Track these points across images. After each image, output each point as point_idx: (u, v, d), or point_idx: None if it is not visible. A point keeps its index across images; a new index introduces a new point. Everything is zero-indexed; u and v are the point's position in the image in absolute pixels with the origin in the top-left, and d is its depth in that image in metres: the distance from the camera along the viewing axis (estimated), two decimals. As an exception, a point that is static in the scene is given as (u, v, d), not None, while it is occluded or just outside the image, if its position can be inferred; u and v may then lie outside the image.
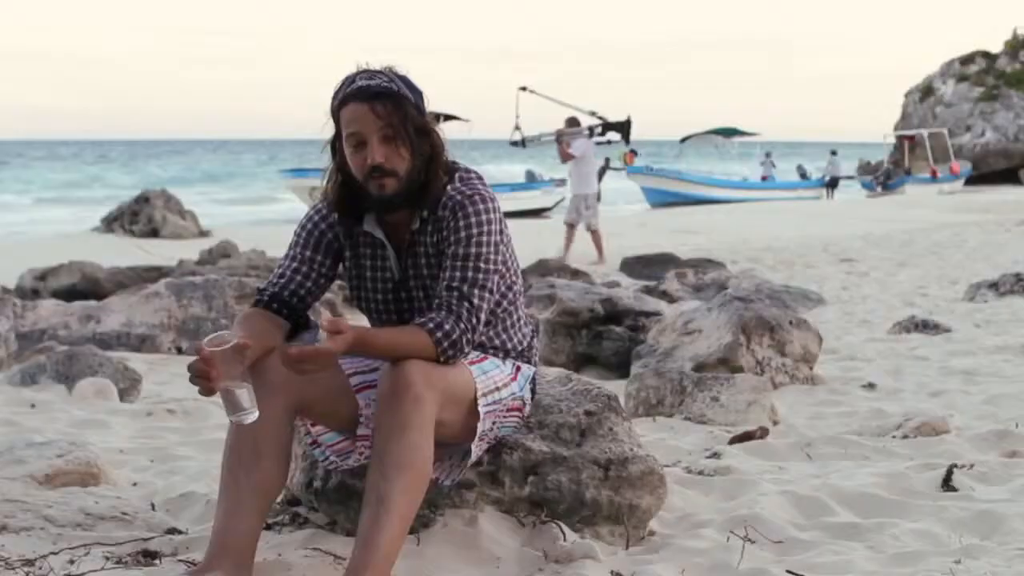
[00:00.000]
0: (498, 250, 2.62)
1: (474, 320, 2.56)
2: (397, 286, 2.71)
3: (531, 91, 15.86)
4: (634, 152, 13.94)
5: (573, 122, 13.65)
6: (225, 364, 2.35)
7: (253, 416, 2.40)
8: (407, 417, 2.45)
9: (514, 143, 15.41)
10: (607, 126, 14.38)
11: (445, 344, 2.52)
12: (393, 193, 2.59)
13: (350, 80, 2.58)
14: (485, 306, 2.58)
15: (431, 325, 2.53)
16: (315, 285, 2.69)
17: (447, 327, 2.53)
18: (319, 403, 2.60)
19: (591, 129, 14.07)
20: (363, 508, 2.45)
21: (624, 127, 14.27)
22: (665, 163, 37.31)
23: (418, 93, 2.61)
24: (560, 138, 13.31)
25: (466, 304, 2.55)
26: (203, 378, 2.34)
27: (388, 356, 2.51)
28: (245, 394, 2.38)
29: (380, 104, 2.54)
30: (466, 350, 2.57)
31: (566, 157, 13.46)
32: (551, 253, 12.63)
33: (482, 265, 2.58)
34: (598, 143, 14.12)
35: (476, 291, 2.57)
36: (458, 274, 2.57)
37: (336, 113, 2.60)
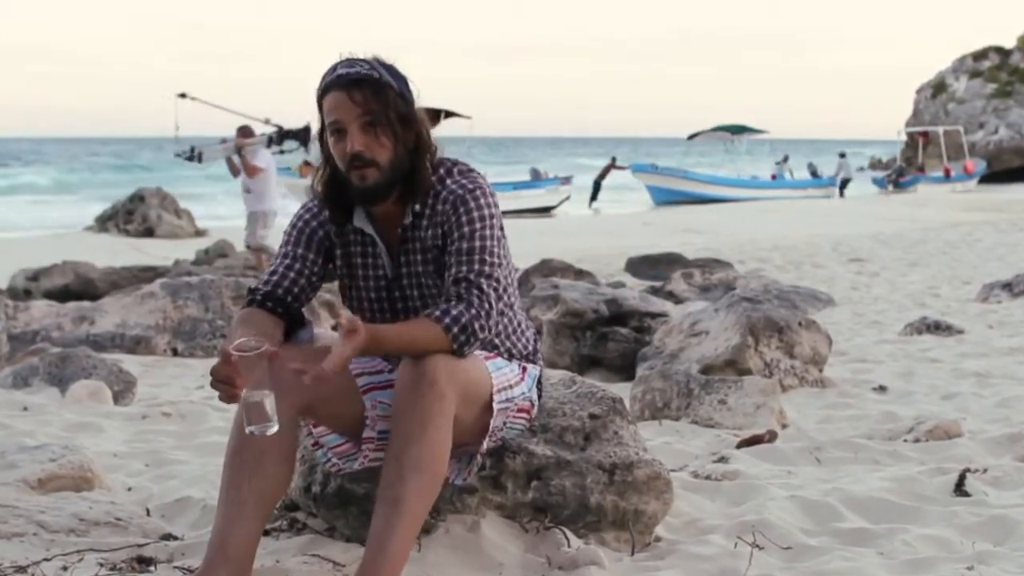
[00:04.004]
0: (500, 244, 2.58)
1: (486, 306, 2.50)
2: (390, 284, 2.67)
3: (192, 98, 14.36)
4: (308, 163, 12.26)
5: (247, 131, 12.25)
6: (249, 371, 2.28)
7: (274, 428, 2.33)
8: (429, 415, 2.41)
9: (187, 157, 13.61)
10: (284, 134, 13.17)
11: (455, 330, 2.46)
12: (375, 184, 2.54)
13: (332, 69, 2.55)
14: (494, 295, 2.53)
15: (437, 313, 2.47)
16: (308, 283, 2.65)
17: (455, 312, 2.47)
18: (325, 405, 2.56)
19: (269, 138, 12.96)
20: (376, 507, 2.42)
21: (302, 134, 13.10)
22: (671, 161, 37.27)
23: (402, 80, 2.56)
24: (240, 150, 11.96)
25: (476, 291, 2.50)
26: (228, 384, 2.28)
27: (401, 352, 2.46)
28: (268, 404, 2.31)
29: (359, 91, 2.50)
30: (480, 337, 2.50)
31: (252, 171, 11.85)
32: (554, 253, 12.55)
33: (487, 257, 2.53)
34: (273, 152, 12.94)
35: (484, 280, 2.51)
36: (464, 267, 2.52)
37: (320, 103, 2.56)
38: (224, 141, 12.18)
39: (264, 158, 12.17)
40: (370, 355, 2.47)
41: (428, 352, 2.44)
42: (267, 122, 12.68)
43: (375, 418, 2.59)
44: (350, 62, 2.54)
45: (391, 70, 2.55)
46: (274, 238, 11.82)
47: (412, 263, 2.63)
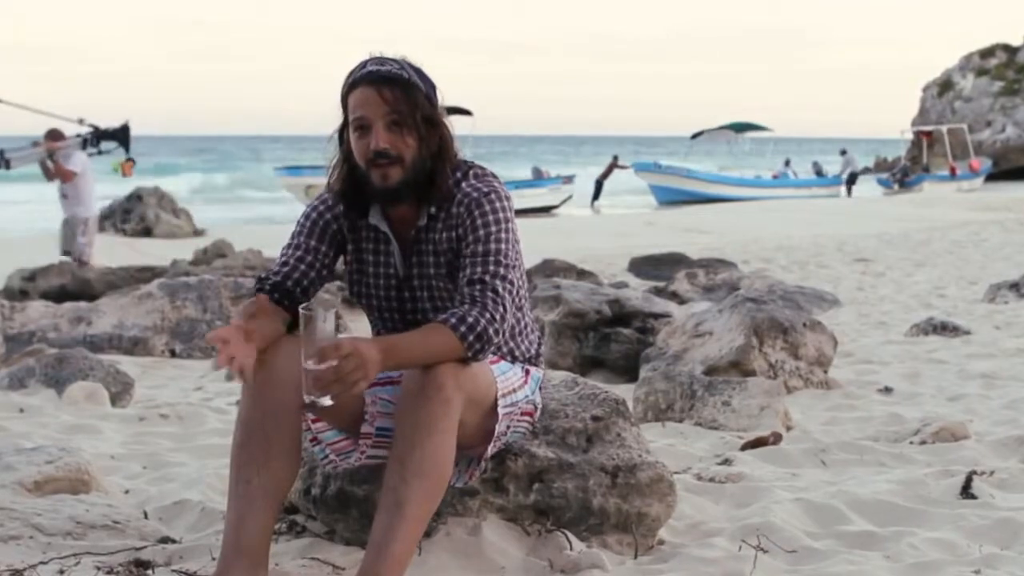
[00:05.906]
0: (515, 248, 2.58)
1: (501, 309, 2.49)
2: (400, 284, 2.66)
3: (0, 100, 13.67)
4: (132, 160, 11.67)
5: (56, 135, 11.67)
6: (311, 335, 2.24)
7: (328, 400, 2.29)
8: (434, 420, 2.40)
9: None
10: (101, 135, 12.63)
11: (471, 338, 2.44)
12: (397, 183, 2.53)
13: (361, 65, 2.55)
14: (509, 297, 2.52)
15: (453, 320, 2.45)
16: (318, 276, 2.64)
17: (470, 319, 2.45)
18: None
19: (84, 140, 12.50)
20: (379, 510, 2.40)
21: (121, 134, 12.50)
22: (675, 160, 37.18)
23: (430, 84, 2.57)
24: (52, 155, 11.46)
25: (490, 293, 2.49)
26: (228, 355, 2.28)
27: (417, 363, 2.43)
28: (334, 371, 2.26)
29: (388, 89, 2.50)
30: (495, 341, 2.48)
31: (66, 176, 11.45)
32: (556, 253, 12.54)
33: (502, 260, 2.53)
34: (90, 154, 12.48)
35: (499, 282, 2.50)
36: (479, 269, 2.51)
37: (345, 99, 2.56)
38: (36, 144, 11.68)
39: (79, 161, 11.70)
40: (388, 370, 2.41)
41: (443, 360, 2.42)
42: (81, 122, 12.23)
43: (374, 414, 2.58)
44: (380, 60, 2.54)
45: (419, 72, 2.56)
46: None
47: (424, 264, 2.62)
